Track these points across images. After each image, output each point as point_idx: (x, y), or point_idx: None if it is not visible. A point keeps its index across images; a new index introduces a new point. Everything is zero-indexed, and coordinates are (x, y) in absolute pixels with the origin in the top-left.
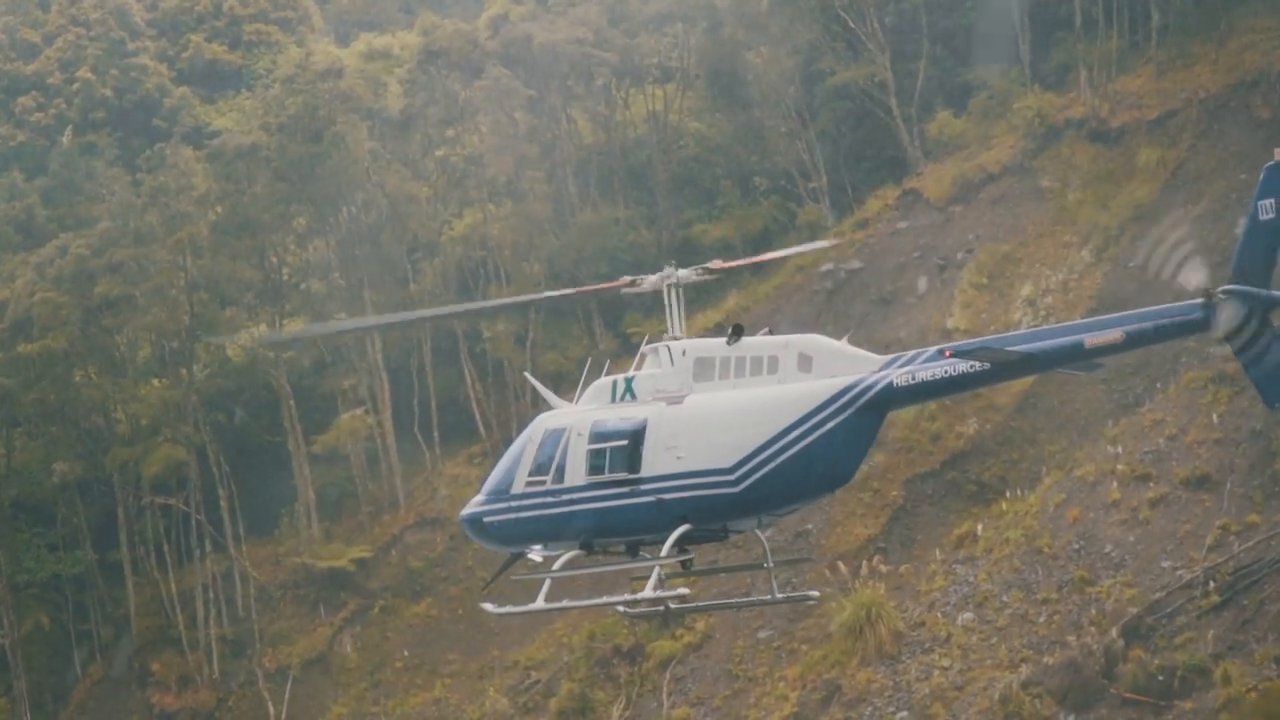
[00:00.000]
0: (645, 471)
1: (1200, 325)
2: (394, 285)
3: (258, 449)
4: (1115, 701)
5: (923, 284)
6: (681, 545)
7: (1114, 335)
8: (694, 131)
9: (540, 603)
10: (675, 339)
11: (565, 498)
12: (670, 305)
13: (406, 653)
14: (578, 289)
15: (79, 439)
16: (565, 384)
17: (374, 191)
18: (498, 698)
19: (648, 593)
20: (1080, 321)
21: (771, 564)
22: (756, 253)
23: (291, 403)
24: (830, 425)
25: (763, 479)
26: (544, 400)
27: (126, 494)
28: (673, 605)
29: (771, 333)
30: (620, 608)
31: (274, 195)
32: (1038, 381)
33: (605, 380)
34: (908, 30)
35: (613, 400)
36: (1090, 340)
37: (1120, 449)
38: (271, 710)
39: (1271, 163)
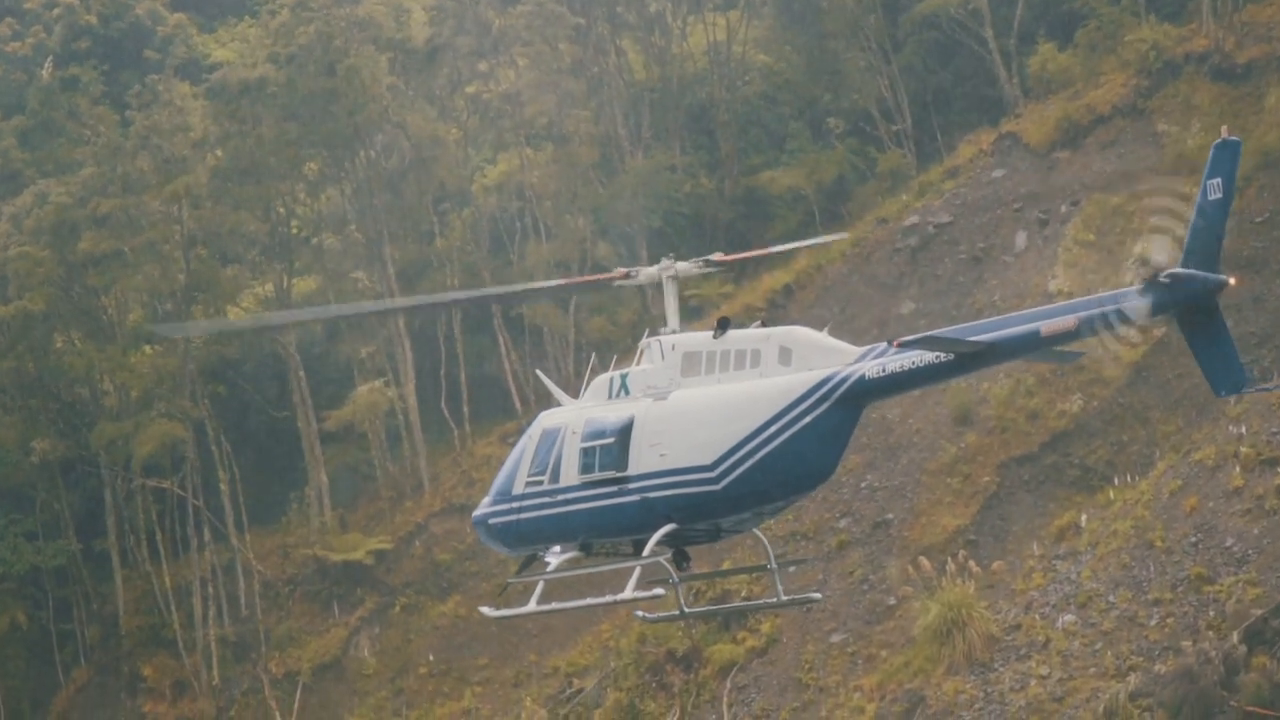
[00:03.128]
0: (632, 470)
1: (1150, 310)
2: (418, 240)
3: (263, 426)
4: (1236, 715)
5: (1021, 240)
6: (679, 547)
7: (1068, 322)
8: (760, 66)
9: (533, 605)
10: (672, 333)
11: (560, 498)
12: (667, 298)
13: (432, 657)
14: (565, 281)
15: (60, 413)
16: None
17: (395, 133)
18: (535, 709)
19: (626, 594)
20: (1038, 309)
21: (775, 565)
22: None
23: (301, 373)
24: (807, 420)
25: (743, 475)
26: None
27: (114, 476)
28: (687, 611)
29: (764, 324)
30: (638, 613)
31: (282, 137)
32: (1151, 352)
33: (604, 376)
34: None
35: (610, 397)
36: (1046, 328)
37: (1244, 429)
38: None
39: (1219, 140)
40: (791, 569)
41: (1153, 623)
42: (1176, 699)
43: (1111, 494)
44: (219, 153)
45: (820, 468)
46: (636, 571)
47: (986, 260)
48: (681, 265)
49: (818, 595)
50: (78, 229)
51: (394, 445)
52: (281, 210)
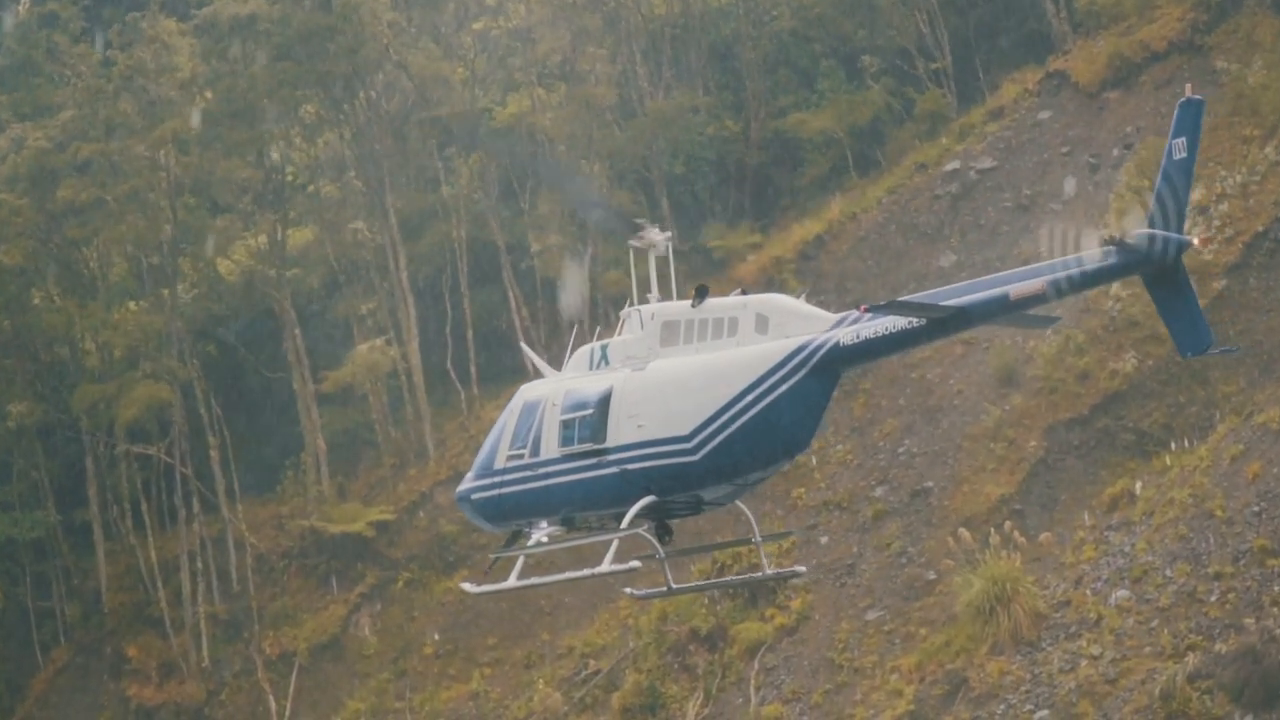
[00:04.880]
0: (610, 442)
1: (1117, 270)
2: (423, 187)
3: (256, 387)
4: None
5: (1070, 187)
6: (661, 520)
7: (1036, 285)
8: (790, 0)
9: (513, 580)
10: (655, 300)
11: (541, 471)
12: (649, 268)
13: (437, 636)
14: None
15: (38, 374)
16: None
17: (397, 73)
18: (548, 691)
19: (604, 567)
20: (1007, 273)
21: (759, 539)
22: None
23: (297, 331)
24: (783, 388)
25: (720, 446)
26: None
27: (96, 441)
28: (675, 587)
29: (744, 292)
30: (627, 590)
31: (276, 77)
32: (1211, 307)
33: (585, 348)
34: None
35: (590, 368)
36: (1015, 291)
37: None
38: (273, 705)
39: (1183, 99)
40: (792, 538)
41: (1213, 599)
42: (1239, 680)
43: (1168, 460)
44: (208, 94)
45: (797, 437)
46: (614, 545)
47: (1033, 208)
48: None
49: (802, 569)
50: (57, 176)
51: (396, 408)
52: (275, 156)
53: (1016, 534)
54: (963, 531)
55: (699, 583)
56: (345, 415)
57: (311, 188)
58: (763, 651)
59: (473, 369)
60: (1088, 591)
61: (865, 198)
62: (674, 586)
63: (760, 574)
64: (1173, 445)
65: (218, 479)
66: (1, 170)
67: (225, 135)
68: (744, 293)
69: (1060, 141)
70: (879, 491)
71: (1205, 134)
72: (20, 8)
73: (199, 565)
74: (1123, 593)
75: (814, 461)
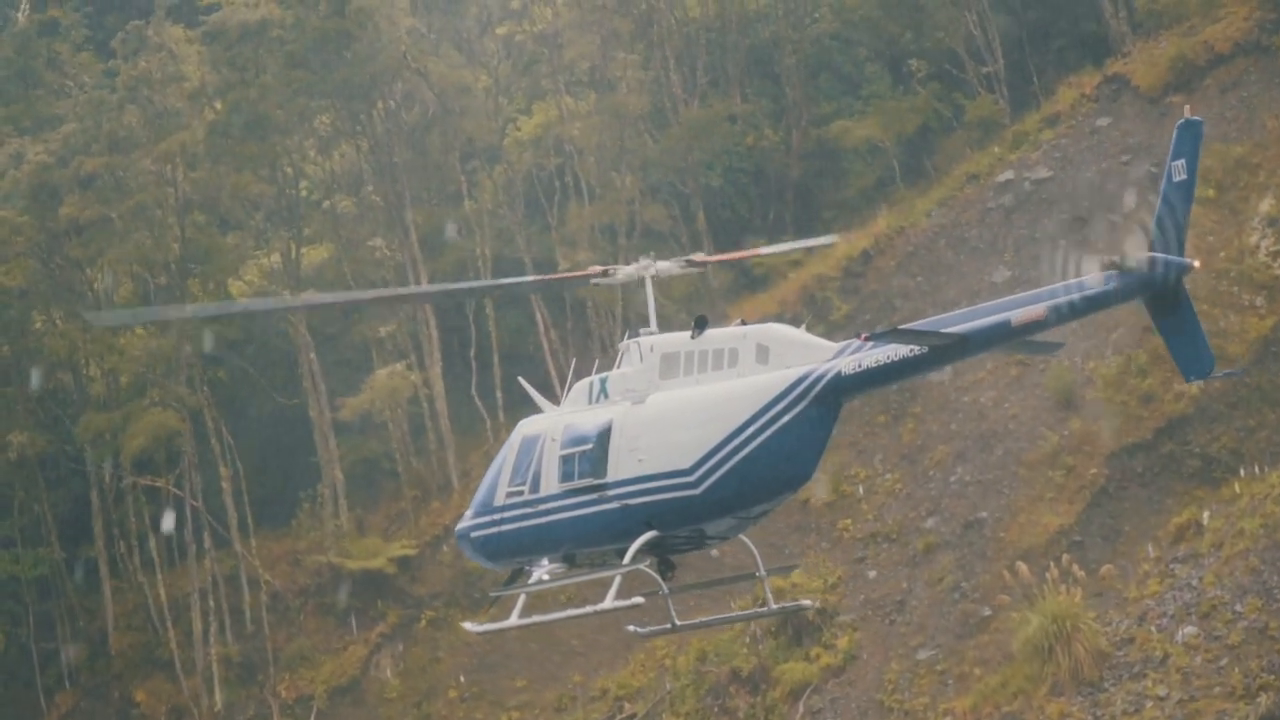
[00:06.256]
0: (611, 476)
1: (1118, 295)
2: (444, 202)
3: (270, 416)
4: None
5: (1130, 198)
6: (664, 555)
7: (1038, 311)
8: (832, 1)
9: (514, 619)
10: (651, 334)
11: (541, 507)
12: (650, 298)
13: (462, 678)
14: (540, 277)
15: (40, 403)
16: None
17: (416, 81)
18: None
19: (606, 604)
20: (1007, 299)
21: (764, 573)
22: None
23: (313, 355)
24: (785, 419)
25: (722, 479)
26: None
27: (102, 474)
28: (679, 624)
29: (744, 323)
30: (630, 626)
31: (289, 87)
32: None
33: (584, 381)
34: None
35: (589, 402)
36: (1016, 318)
37: None
38: None
39: (1182, 120)
40: (792, 570)
41: None
42: None
43: (1237, 487)
44: (218, 105)
45: (800, 468)
46: (617, 580)
47: (1092, 220)
48: (662, 264)
49: (809, 603)
50: (58, 192)
51: (418, 436)
52: (289, 170)
53: (1076, 567)
54: (1019, 565)
55: (703, 619)
56: (364, 444)
57: (327, 203)
58: (808, 693)
59: (499, 395)
60: (1153, 628)
61: (913, 210)
62: (678, 624)
63: (766, 609)
64: (1242, 471)
65: (230, 512)
66: (1, 186)
67: (236, 148)
68: (743, 323)
69: (1120, 150)
70: (930, 523)
71: (1272, 141)
72: (19, 14)
73: (210, 604)
74: (1190, 629)
75: (861, 491)
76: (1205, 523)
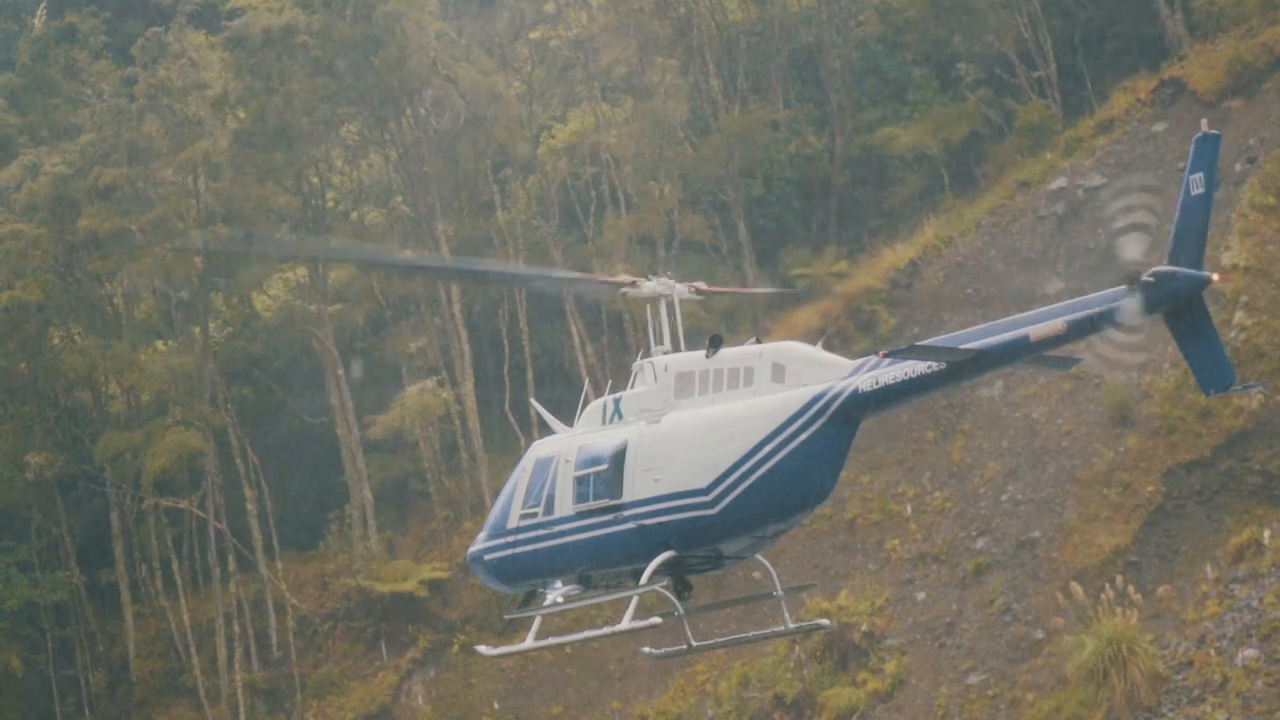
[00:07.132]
0: (626, 497)
1: (1136, 310)
2: (476, 213)
3: (296, 434)
4: None
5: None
6: (680, 576)
7: (1056, 326)
8: (878, 3)
9: (530, 641)
10: (665, 353)
11: (556, 529)
12: (661, 319)
13: (497, 705)
14: (568, 274)
15: (59, 422)
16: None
17: (446, 88)
18: None
19: (624, 625)
20: (1026, 314)
21: (781, 592)
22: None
23: (341, 372)
24: (802, 438)
25: (739, 498)
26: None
27: (123, 495)
28: (695, 644)
29: (759, 341)
30: (645, 649)
31: (314, 94)
32: None
33: (598, 402)
34: None
35: (604, 422)
36: (1035, 333)
37: None
38: None
39: (1199, 134)
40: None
41: None
42: None
43: None
44: (240, 114)
45: (818, 487)
46: (634, 601)
47: (1146, 229)
48: (680, 287)
49: (825, 621)
50: (77, 204)
51: (450, 455)
52: (315, 180)
53: (1132, 589)
54: (1073, 586)
55: (719, 639)
56: (394, 464)
57: (355, 214)
58: (855, 718)
59: (533, 412)
60: (1211, 651)
61: (962, 219)
62: (694, 644)
63: (783, 629)
64: None
65: (255, 535)
66: (18, 198)
67: (260, 158)
68: (758, 341)
69: (1176, 156)
70: (981, 543)
71: None
72: (36, 20)
73: (235, 629)
74: (1250, 652)
75: (909, 510)
76: (1266, 542)
